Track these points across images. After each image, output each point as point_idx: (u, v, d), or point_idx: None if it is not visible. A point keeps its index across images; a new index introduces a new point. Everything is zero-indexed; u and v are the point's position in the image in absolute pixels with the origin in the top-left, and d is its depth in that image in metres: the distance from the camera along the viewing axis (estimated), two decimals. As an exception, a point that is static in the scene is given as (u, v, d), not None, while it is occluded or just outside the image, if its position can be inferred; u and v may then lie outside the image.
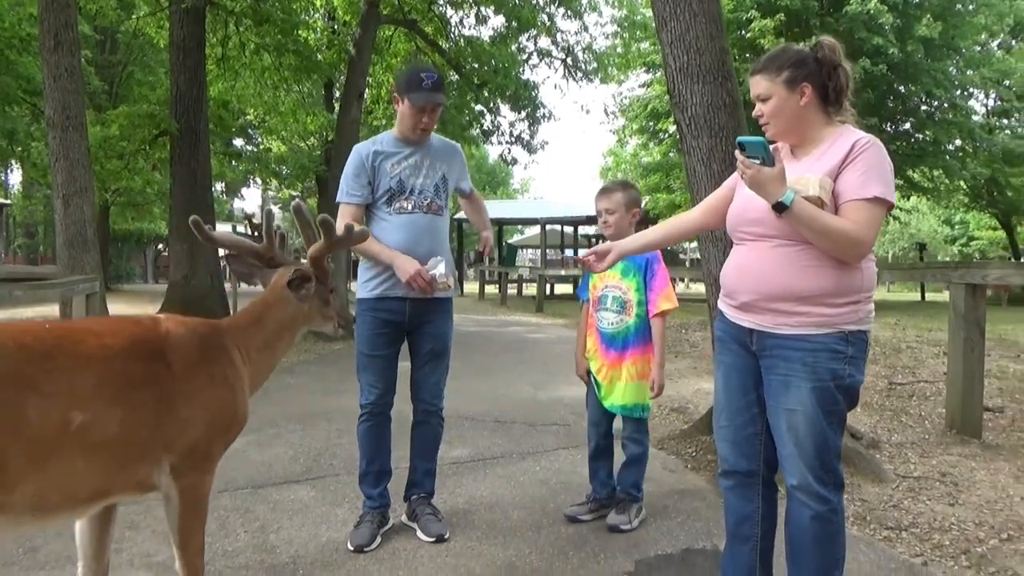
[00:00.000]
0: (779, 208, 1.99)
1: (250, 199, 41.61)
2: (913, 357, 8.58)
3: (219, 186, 23.83)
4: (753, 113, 2.24)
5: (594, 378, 3.34)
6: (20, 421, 1.69)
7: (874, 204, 2.02)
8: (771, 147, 2.04)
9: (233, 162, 19.75)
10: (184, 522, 2.07)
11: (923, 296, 25.03)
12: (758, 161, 2.00)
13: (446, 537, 3.07)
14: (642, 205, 3.38)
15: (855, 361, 2.10)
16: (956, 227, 37.78)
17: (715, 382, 2.42)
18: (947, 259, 46.17)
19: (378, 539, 3.04)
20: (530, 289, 22.61)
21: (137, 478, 1.98)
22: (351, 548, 2.96)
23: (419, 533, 3.10)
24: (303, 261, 2.53)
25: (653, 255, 3.21)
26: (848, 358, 2.08)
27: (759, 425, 2.28)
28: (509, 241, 33.10)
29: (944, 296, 28.43)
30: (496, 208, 25.10)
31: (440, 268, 3.02)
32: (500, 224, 29.01)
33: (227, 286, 11.36)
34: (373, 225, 3.11)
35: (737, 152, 2.06)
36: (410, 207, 3.11)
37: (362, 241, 2.69)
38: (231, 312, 10.86)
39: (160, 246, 31.93)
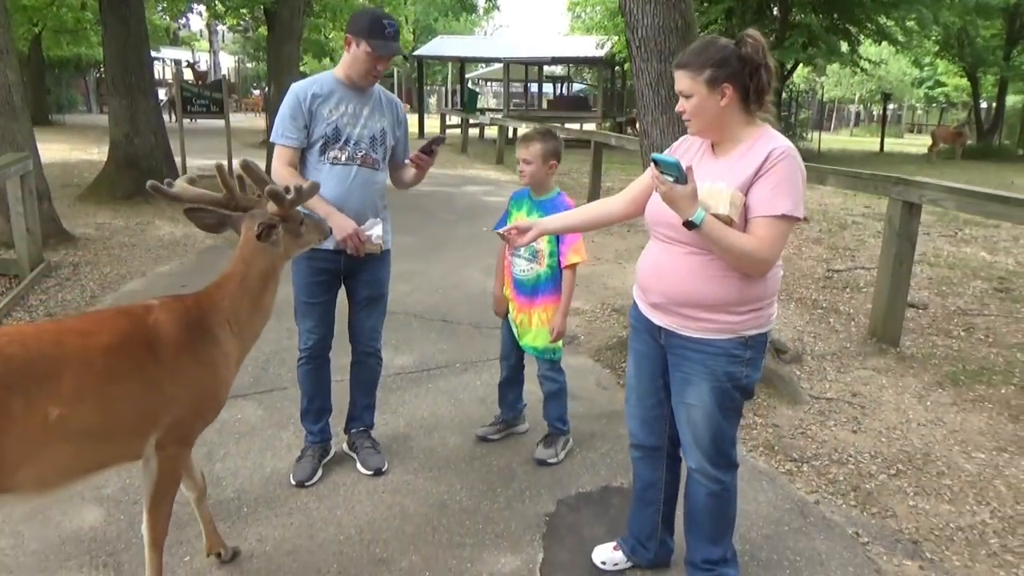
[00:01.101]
0: (689, 226, 2.03)
1: (195, 25, 38.74)
2: (856, 237, 8.83)
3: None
4: (676, 108, 2.22)
5: (510, 318, 3.46)
6: (9, 420, 1.84)
7: (782, 221, 2.06)
8: (684, 167, 2.03)
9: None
10: (158, 488, 2.24)
11: (882, 148, 25.24)
12: (671, 179, 2.03)
13: (384, 470, 3.28)
14: (560, 158, 3.34)
15: (753, 362, 2.24)
16: (925, 69, 37.26)
17: (627, 365, 2.56)
18: (914, 103, 46.03)
19: (319, 472, 3.24)
20: (492, 131, 22.11)
21: (129, 453, 2.18)
22: (293, 483, 3.16)
23: (359, 466, 3.30)
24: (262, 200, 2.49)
25: (564, 204, 3.23)
26: (746, 360, 2.22)
27: (665, 408, 2.46)
28: (470, 75, 31.87)
29: (904, 146, 28.74)
30: (456, 45, 23.89)
31: (376, 230, 3.01)
32: (462, 61, 27.81)
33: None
34: (304, 172, 3.04)
35: (652, 167, 2.09)
36: (344, 158, 3.02)
37: (312, 196, 2.61)
38: (177, 166, 10.57)
39: (101, 72, 30.07)
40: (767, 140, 2.10)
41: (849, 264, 7.50)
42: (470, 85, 30.49)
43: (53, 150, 15.76)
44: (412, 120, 28.01)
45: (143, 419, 2.14)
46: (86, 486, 3.09)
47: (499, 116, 21.83)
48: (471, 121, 21.49)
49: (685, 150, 2.32)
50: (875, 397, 4.18)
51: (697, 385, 2.25)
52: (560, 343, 3.41)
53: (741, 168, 2.10)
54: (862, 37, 20.01)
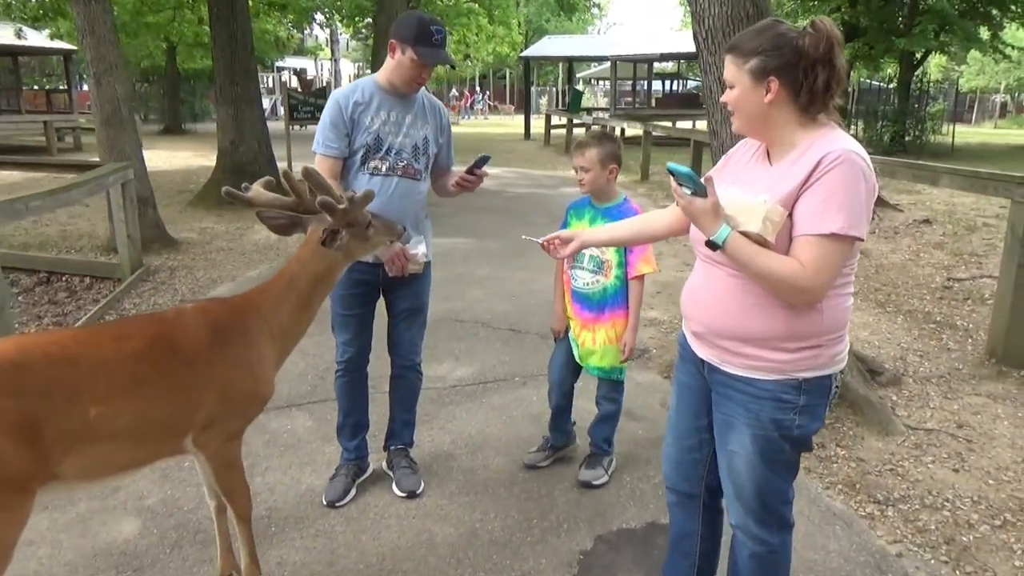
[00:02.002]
0: (711, 246, 1.78)
1: (323, 36, 40.61)
2: (985, 242, 7.95)
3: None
4: (722, 98, 1.92)
5: (571, 337, 3.20)
6: (52, 414, 1.92)
7: (831, 241, 1.69)
8: (702, 178, 1.78)
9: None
10: (220, 480, 2.34)
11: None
12: (689, 191, 1.79)
13: (418, 492, 3.12)
14: (621, 161, 3.08)
15: (809, 411, 1.88)
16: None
17: (671, 397, 2.27)
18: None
19: (352, 491, 3.13)
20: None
21: (166, 450, 2.25)
22: (324, 503, 3.06)
23: (393, 486, 3.16)
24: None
25: (631, 211, 2.97)
26: (799, 408, 1.86)
27: (706, 452, 2.15)
28: (581, 74, 31.57)
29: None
30: (564, 44, 23.65)
31: (420, 248, 2.90)
32: (569, 61, 27.57)
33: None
34: (345, 183, 2.92)
35: (671, 179, 1.84)
36: (384, 168, 2.89)
37: (366, 204, 2.44)
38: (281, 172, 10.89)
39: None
40: (823, 143, 1.75)
41: (973, 272, 6.72)
42: (579, 85, 30.22)
43: (180, 157, 16.83)
44: (517, 122, 28.28)
45: (175, 420, 2.18)
46: (129, 495, 3.14)
47: (604, 115, 21.40)
48: (576, 121, 21.21)
49: (741, 156, 2.01)
50: (986, 430, 3.64)
51: (739, 430, 1.93)
52: (626, 363, 3.16)
53: (789, 177, 1.76)
54: (1005, 21, 18.23)
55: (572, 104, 23.39)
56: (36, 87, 28.13)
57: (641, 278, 3.04)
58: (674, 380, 2.24)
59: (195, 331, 2.22)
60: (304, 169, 2.29)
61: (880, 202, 9.64)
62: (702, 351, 2.00)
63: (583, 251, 3.04)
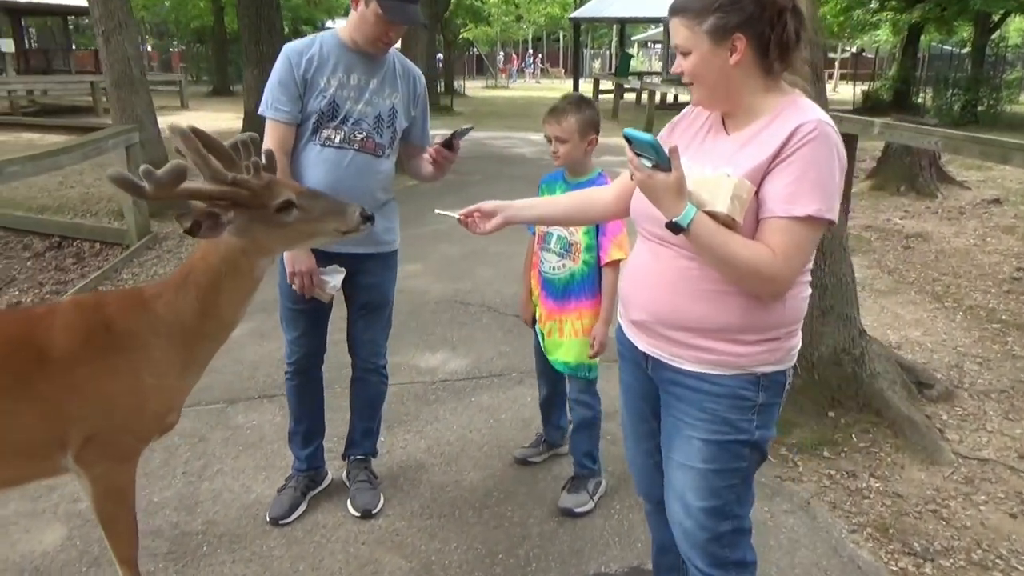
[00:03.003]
0: (673, 228, 1.53)
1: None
2: (1064, 227, 7.14)
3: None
4: (672, 68, 1.70)
5: (537, 327, 2.83)
6: None
7: (805, 225, 1.51)
8: (667, 148, 1.51)
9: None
10: (102, 509, 1.98)
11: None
12: (649, 164, 1.53)
13: (374, 512, 2.73)
14: (599, 129, 2.64)
15: (767, 410, 1.69)
16: None
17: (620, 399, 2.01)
18: None
19: (302, 507, 2.75)
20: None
21: (39, 470, 1.94)
22: (268, 519, 2.70)
23: (348, 503, 2.78)
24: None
25: (603, 181, 2.50)
26: (757, 407, 1.67)
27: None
28: (636, 37, 30.46)
29: None
30: (616, 6, 22.70)
31: (334, 280, 2.42)
32: (621, 23, 26.54)
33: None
34: (296, 155, 2.48)
35: (626, 147, 1.56)
36: (338, 139, 2.44)
37: (266, 171, 1.92)
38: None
39: (282, 44, 31.77)
40: (794, 113, 1.55)
41: (1049, 262, 6.00)
42: (632, 48, 29.16)
43: (222, 119, 16.65)
44: (568, 86, 27.42)
45: (39, 436, 1.85)
46: (63, 496, 2.83)
47: (655, 80, 20.52)
48: (625, 86, 20.39)
49: (687, 127, 1.77)
50: (1055, 462, 3.08)
51: (688, 438, 1.71)
52: (597, 360, 2.72)
53: (754, 149, 1.56)
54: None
55: (621, 68, 22.50)
56: (86, 47, 28.37)
57: (615, 264, 2.59)
58: (620, 381, 1.97)
59: (64, 331, 1.86)
60: (176, 128, 1.78)
61: (945, 178, 8.81)
62: (646, 344, 1.76)
63: (551, 231, 2.68)
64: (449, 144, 2.47)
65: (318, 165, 2.44)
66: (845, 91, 24.63)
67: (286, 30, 24.34)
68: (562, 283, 2.68)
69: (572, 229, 2.64)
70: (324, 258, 2.47)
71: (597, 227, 2.60)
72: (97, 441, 1.88)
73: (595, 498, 2.80)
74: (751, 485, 1.76)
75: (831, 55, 32.74)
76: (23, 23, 23.07)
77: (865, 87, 21.83)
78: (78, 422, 1.85)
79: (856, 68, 28.62)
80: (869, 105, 19.01)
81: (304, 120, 2.44)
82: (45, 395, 1.80)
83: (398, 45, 2.55)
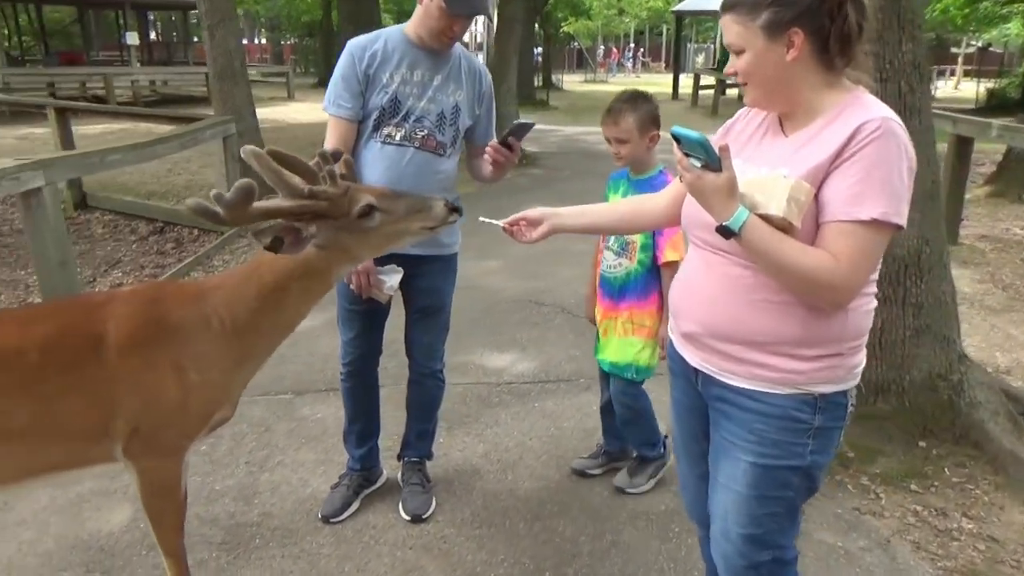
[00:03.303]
0: (724, 233, 1.43)
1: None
2: None
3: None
4: (725, 70, 1.62)
5: (598, 326, 2.80)
6: None
7: (871, 229, 1.39)
8: (717, 147, 1.42)
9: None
10: (148, 503, 2.00)
11: None
12: (699, 164, 1.43)
13: (424, 517, 2.69)
14: (660, 123, 2.56)
15: (824, 434, 1.56)
16: None
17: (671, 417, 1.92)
18: None
19: (355, 505, 2.75)
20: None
21: (89, 456, 1.93)
22: (320, 516, 2.71)
23: (400, 505, 2.76)
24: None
25: (664, 184, 2.34)
26: (813, 430, 1.54)
27: None
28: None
29: None
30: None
31: (392, 280, 2.37)
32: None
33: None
34: (356, 152, 2.45)
35: (674, 146, 1.47)
36: (398, 136, 2.39)
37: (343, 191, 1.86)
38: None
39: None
40: (857, 110, 1.43)
41: None
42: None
43: (315, 108, 17.21)
44: (666, 81, 26.78)
45: (88, 424, 1.86)
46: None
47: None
48: (728, 81, 19.73)
49: (742, 129, 1.66)
50: None
51: (735, 459, 1.60)
52: (649, 362, 2.67)
53: (814, 149, 1.44)
54: None
55: (722, 62, 21.80)
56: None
57: (671, 265, 2.48)
58: (671, 396, 1.86)
59: (116, 321, 1.85)
60: (248, 150, 1.73)
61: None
62: (696, 358, 1.66)
63: None
64: (507, 142, 2.34)
65: (378, 163, 2.40)
66: (968, 89, 23.02)
67: (392, 22, 25.21)
68: (618, 282, 2.65)
69: None
70: (382, 257, 2.44)
71: None
72: (142, 434, 1.90)
73: (648, 483, 2.85)
74: (797, 515, 1.65)
75: (954, 50, 30.64)
76: (149, 17, 24.52)
77: (991, 84, 20.33)
78: (123, 413, 1.87)
79: (981, 64, 26.73)
80: (994, 104, 17.67)
81: (365, 117, 2.40)
82: (93, 383, 1.82)
83: (483, 37, 2.49)
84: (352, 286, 2.41)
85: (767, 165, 1.49)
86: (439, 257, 2.56)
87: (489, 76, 2.58)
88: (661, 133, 2.50)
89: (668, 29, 38.33)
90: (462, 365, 3.99)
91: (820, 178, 1.41)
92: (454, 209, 1.90)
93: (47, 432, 1.83)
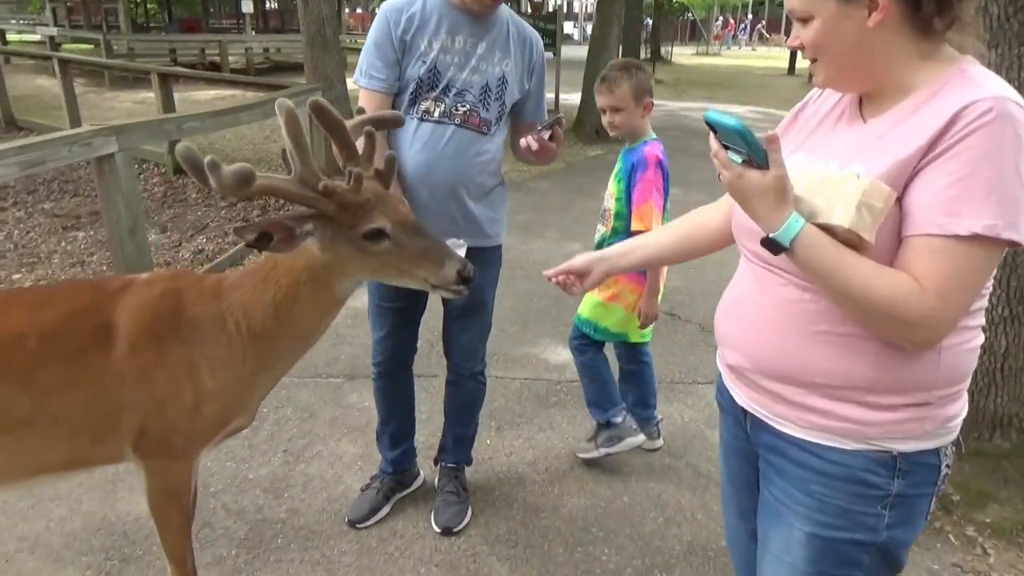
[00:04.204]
0: (772, 247, 1.14)
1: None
2: None
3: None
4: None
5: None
6: None
7: (972, 247, 1.05)
8: (763, 139, 1.11)
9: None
10: (154, 504, 1.88)
11: None
12: (739, 159, 1.14)
13: (456, 530, 2.47)
14: (652, 91, 2.58)
15: (906, 504, 1.22)
16: None
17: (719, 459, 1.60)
18: None
19: (385, 509, 2.56)
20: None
21: (97, 455, 1.81)
22: (347, 520, 2.53)
23: (432, 515, 2.54)
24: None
25: (642, 159, 2.53)
26: (890, 498, 1.21)
27: None
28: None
29: None
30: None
31: (458, 251, 2.08)
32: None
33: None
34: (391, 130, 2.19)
35: (710, 137, 1.17)
36: (437, 113, 2.12)
37: (385, 180, 1.68)
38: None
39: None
40: (960, 88, 1.08)
41: None
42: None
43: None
44: (783, 55, 25.25)
45: (92, 420, 1.73)
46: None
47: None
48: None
49: (812, 113, 1.33)
50: None
51: (786, 524, 1.30)
52: (606, 320, 2.74)
53: (899, 139, 1.10)
54: None
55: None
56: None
57: (639, 235, 2.25)
58: (719, 436, 1.56)
59: (129, 311, 1.70)
60: (281, 103, 1.55)
61: None
62: (743, 396, 1.37)
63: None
64: (552, 134, 2.11)
65: (414, 143, 2.14)
66: None
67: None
68: (597, 248, 2.49)
69: (609, 193, 2.64)
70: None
71: (628, 194, 2.54)
72: (150, 434, 1.76)
73: (605, 450, 2.82)
74: None
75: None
76: (265, -14, 25.26)
77: None
78: (130, 411, 1.73)
79: None
80: None
81: (401, 90, 2.14)
82: (99, 376, 1.68)
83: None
84: None
85: (837, 159, 1.16)
86: (481, 249, 2.29)
87: (541, 44, 2.28)
88: (655, 101, 2.59)
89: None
90: (523, 358, 3.74)
91: (905, 177, 1.08)
92: (465, 280, 1.63)
93: (50, 427, 1.70)
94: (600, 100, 2.55)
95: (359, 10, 40.58)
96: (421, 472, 2.72)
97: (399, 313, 2.39)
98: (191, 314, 1.75)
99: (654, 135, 2.62)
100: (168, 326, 1.73)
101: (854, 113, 1.23)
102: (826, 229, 1.10)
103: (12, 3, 39.00)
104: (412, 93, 2.13)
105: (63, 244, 5.71)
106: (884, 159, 1.10)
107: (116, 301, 1.73)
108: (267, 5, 25.90)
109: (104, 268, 5.08)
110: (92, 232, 6.02)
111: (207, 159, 1.43)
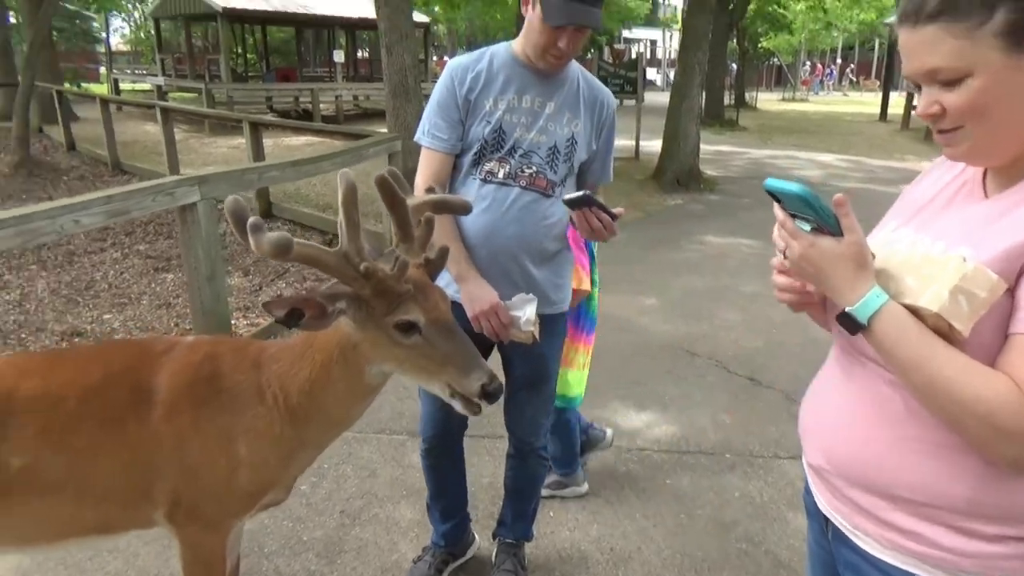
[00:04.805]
0: (849, 325, 1.01)
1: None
2: None
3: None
4: (920, 110, 1.02)
5: None
6: None
7: None
8: (833, 202, 1.01)
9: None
10: (188, 574, 1.81)
11: None
12: (808, 226, 1.04)
13: (510, 616, 2.32)
14: None
15: None
16: None
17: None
18: None
19: (436, 585, 2.43)
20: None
21: (130, 520, 1.77)
22: (396, 593, 2.42)
23: (485, 596, 2.40)
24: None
25: None
26: None
27: None
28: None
29: None
30: None
31: (527, 311, 1.99)
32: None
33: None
34: (453, 190, 2.11)
35: (775, 207, 1.08)
36: (501, 174, 2.03)
37: (439, 262, 1.63)
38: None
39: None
40: None
41: None
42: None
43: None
44: (874, 100, 24.40)
45: (124, 485, 1.68)
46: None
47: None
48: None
49: (929, 184, 1.17)
50: None
51: None
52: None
53: (1019, 220, 0.95)
54: None
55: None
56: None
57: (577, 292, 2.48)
58: (807, 543, 1.41)
59: (169, 375, 1.66)
60: (381, 176, 1.50)
61: None
62: (824, 500, 1.21)
63: None
64: (611, 214, 1.89)
65: (477, 204, 2.02)
66: None
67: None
68: None
69: None
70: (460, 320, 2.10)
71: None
72: (183, 503, 1.70)
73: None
74: None
75: None
76: (356, 36, 26.26)
77: None
78: (164, 478, 1.67)
79: None
80: None
81: (465, 149, 2.06)
82: (135, 440, 1.64)
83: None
84: (485, 332, 2.03)
85: (946, 239, 1.02)
86: (544, 316, 2.18)
87: (612, 102, 2.16)
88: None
89: (881, 43, 35.18)
90: (592, 419, 3.57)
91: (1019, 267, 0.93)
92: (489, 396, 1.52)
93: (81, 491, 1.66)
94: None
95: (446, 57, 41.84)
96: (476, 537, 2.59)
97: None
98: (230, 382, 1.69)
99: None
100: (206, 392, 1.68)
101: (975, 187, 1.08)
102: (914, 312, 0.97)
103: (129, 55, 41.96)
104: (476, 153, 2.05)
105: (153, 286, 5.92)
106: (999, 241, 0.95)
107: (158, 364, 1.70)
108: (358, 55, 26.95)
109: (187, 311, 5.21)
110: (180, 275, 6.22)
111: (251, 220, 1.38)
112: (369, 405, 1.73)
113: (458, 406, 1.57)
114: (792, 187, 1.00)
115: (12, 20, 23.12)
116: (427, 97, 2.34)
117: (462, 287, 2.03)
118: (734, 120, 18.75)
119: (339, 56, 21.25)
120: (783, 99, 31.14)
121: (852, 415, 1.13)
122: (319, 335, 1.62)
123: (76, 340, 4.79)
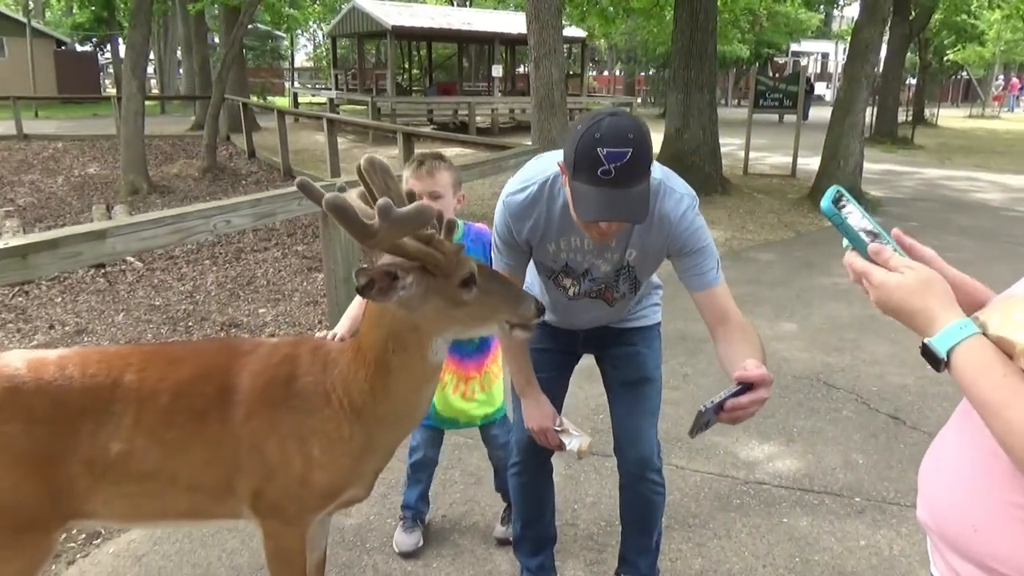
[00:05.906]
0: (930, 357, 0.94)
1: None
2: None
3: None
4: None
5: None
6: (76, 446, 1.70)
7: None
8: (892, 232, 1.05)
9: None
10: (271, 564, 1.91)
11: None
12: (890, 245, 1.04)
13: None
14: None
15: None
16: None
17: None
18: None
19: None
20: None
21: (218, 509, 1.86)
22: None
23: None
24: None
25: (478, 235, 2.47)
26: None
27: None
28: None
29: None
30: None
31: (573, 444, 2.11)
32: None
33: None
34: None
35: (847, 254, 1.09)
36: (572, 292, 2.03)
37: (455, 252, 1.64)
38: (722, 164, 10.09)
39: (745, 67, 31.53)
40: None
41: None
42: None
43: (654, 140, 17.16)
44: None
45: (210, 479, 1.78)
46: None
47: None
48: None
49: None
50: None
51: None
52: None
53: None
54: None
55: None
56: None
57: None
58: None
59: (251, 375, 1.75)
60: (365, 161, 1.63)
61: None
62: (932, 559, 1.12)
63: None
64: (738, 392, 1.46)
65: (552, 307, 2.13)
66: None
67: (748, 54, 24.36)
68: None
69: None
70: (550, 338, 2.20)
71: None
72: (265, 498, 1.78)
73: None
74: None
75: None
76: (515, 51, 26.85)
77: None
78: (245, 475, 1.76)
79: None
80: None
81: (536, 265, 2.07)
82: (219, 437, 1.73)
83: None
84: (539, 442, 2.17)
85: None
86: (635, 329, 2.14)
87: (683, 220, 1.82)
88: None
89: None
90: (709, 448, 3.40)
91: None
92: (541, 312, 1.65)
93: (171, 481, 1.76)
94: (415, 184, 2.24)
95: (606, 72, 41.83)
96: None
97: (545, 384, 2.16)
98: (302, 384, 1.75)
99: (461, 221, 2.34)
100: (281, 393, 1.74)
101: None
102: (1007, 346, 0.88)
103: (311, 71, 45.44)
104: (548, 271, 2.05)
105: (304, 284, 6.32)
106: None
107: (242, 364, 1.78)
108: (516, 69, 27.53)
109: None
110: (327, 275, 6.62)
111: (380, 201, 1.38)
112: (433, 393, 1.75)
113: (519, 333, 1.69)
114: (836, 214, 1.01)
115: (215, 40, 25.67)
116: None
117: (523, 400, 2.14)
118: (908, 138, 17.36)
119: (497, 71, 21.83)
120: (970, 116, 28.49)
121: (958, 473, 1.03)
122: (364, 338, 1.67)
123: (233, 331, 5.21)
